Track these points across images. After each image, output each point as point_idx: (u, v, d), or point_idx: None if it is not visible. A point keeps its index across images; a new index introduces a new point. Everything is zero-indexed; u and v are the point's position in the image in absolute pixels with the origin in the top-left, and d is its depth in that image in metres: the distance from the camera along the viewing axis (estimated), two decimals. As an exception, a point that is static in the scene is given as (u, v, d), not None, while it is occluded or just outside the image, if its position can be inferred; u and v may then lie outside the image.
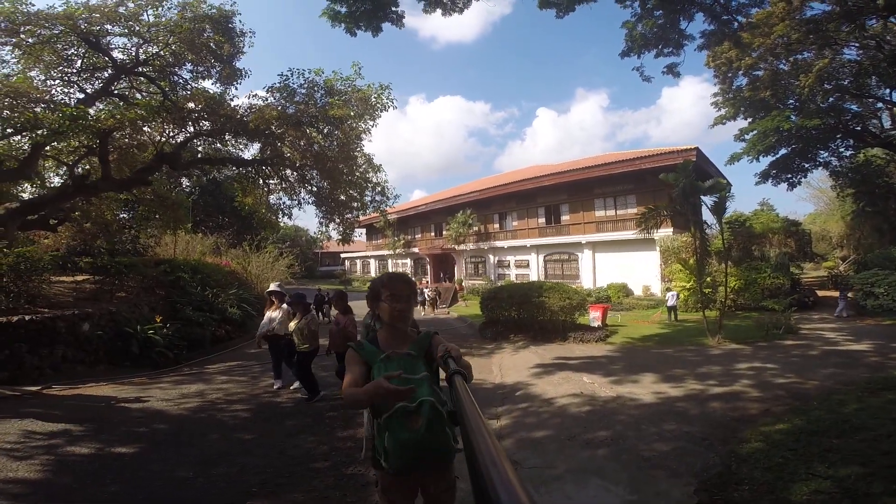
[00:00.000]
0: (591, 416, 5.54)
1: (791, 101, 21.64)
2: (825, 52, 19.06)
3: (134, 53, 10.45)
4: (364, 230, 43.09)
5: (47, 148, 10.58)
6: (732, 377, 7.29)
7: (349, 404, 1.79)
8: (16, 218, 9.06)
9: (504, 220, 30.06)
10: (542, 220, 27.45)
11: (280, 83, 11.44)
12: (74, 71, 10.32)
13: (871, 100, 21.31)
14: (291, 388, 7.02)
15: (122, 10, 9.31)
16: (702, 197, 12.81)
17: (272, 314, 7.00)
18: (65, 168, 11.72)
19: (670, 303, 15.06)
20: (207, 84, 12.38)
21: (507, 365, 9.67)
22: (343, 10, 7.73)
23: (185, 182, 25.56)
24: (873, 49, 18.86)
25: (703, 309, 11.86)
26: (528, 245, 27.29)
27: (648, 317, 16.12)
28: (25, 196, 11.63)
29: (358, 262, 47.09)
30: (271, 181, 14.90)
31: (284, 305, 6.95)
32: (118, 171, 11.62)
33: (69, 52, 9.90)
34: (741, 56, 19.84)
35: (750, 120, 22.86)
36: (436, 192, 48.03)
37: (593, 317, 14.01)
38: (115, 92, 11.24)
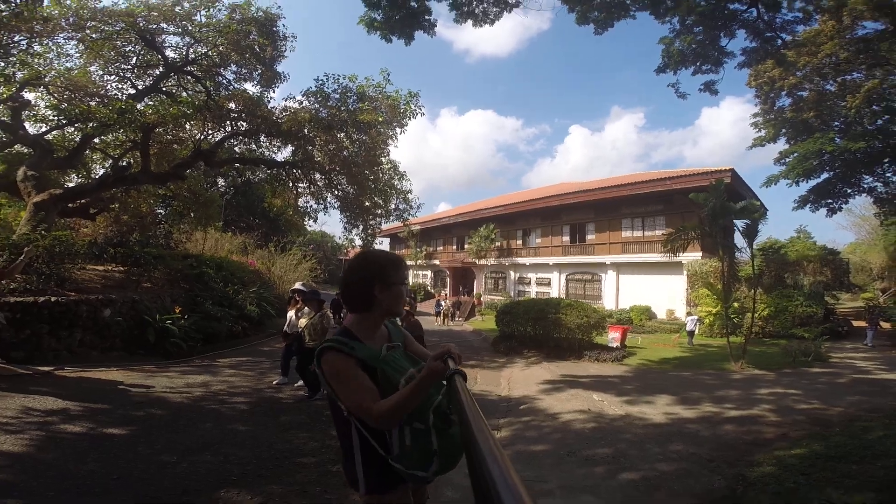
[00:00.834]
0: (595, 433, 5.29)
1: (836, 123, 20.70)
2: (875, 73, 18.21)
3: (184, 52, 11.03)
4: (388, 239, 43.52)
5: (96, 140, 11.22)
6: (751, 402, 6.90)
7: (398, 418, 1.43)
8: (57, 204, 9.56)
9: (527, 236, 29.75)
10: (566, 239, 27.02)
11: (316, 87, 11.79)
12: (129, 67, 10.95)
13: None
14: (295, 385, 7.02)
15: (178, 9, 9.87)
16: (735, 221, 12.36)
17: (292, 313, 7.15)
18: (111, 161, 12.38)
19: (689, 327, 14.58)
20: (248, 86, 12.92)
21: (516, 379, 9.44)
22: (379, 17, 7.93)
23: (220, 182, 26.58)
24: (927, 70, 17.90)
25: (728, 334, 11.31)
26: (551, 263, 26.89)
27: (670, 340, 15.55)
28: (71, 185, 12.29)
29: (381, 270, 47.40)
30: (300, 184, 15.31)
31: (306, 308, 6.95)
32: (157, 165, 12.17)
33: (127, 49, 10.53)
34: (785, 75, 19.18)
35: (791, 142, 21.97)
36: (460, 205, 48.07)
37: (612, 337, 13.71)
38: (164, 89, 11.84)
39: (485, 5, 8.75)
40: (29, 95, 9.43)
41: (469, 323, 24.78)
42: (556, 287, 26.50)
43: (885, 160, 20.75)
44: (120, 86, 11.04)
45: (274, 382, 7.15)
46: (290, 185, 15.03)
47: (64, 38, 9.33)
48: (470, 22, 9.30)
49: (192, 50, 11.02)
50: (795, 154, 21.16)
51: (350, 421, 1.52)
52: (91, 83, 9.53)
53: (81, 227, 13.72)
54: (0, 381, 5.26)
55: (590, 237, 25.70)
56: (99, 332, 8.38)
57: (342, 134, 11.76)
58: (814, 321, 14.66)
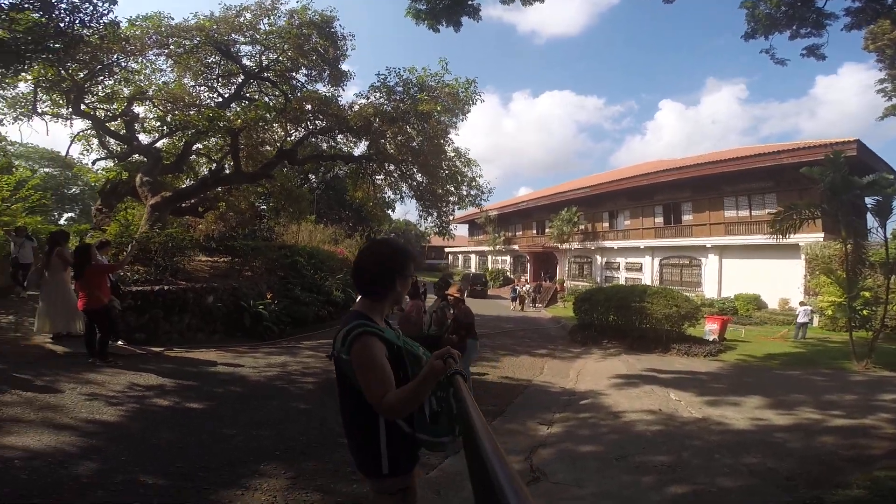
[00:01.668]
0: (659, 436, 4.84)
1: None
2: None
3: (258, 60, 12.05)
4: (466, 225, 43.72)
5: (199, 146, 12.79)
6: (867, 409, 5.80)
7: (404, 412, 1.51)
8: (169, 205, 11.10)
9: (615, 218, 27.91)
10: (659, 220, 24.87)
11: (379, 82, 12.17)
12: (214, 77, 12.30)
13: None
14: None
15: (241, 20, 10.80)
16: (866, 199, 10.43)
17: None
18: (214, 164, 14.04)
19: (801, 319, 12.64)
20: (320, 86, 13.75)
21: (587, 371, 8.99)
22: (423, 6, 7.91)
23: (311, 178, 28.80)
24: None
25: (851, 328, 9.58)
26: (642, 247, 24.95)
27: (776, 334, 13.67)
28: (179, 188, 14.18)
29: (460, 256, 48.15)
30: (377, 176, 16.01)
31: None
32: (248, 166, 13.54)
33: (209, 60, 11.83)
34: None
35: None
36: (541, 188, 46.56)
37: (709, 329, 12.48)
38: (247, 95, 13.09)
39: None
40: (138, 109, 11.18)
41: (549, 310, 24.09)
42: (649, 272, 24.57)
43: None
44: (211, 95, 12.46)
45: None
46: (368, 177, 15.78)
47: (154, 55, 10.78)
48: (518, 1, 8.86)
49: (264, 57, 12.02)
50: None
51: None
52: (187, 94, 10.90)
53: (198, 225, 15.75)
54: (119, 359, 6.26)
55: (686, 218, 23.35)
56: (204, 316, 9.60)
57: (406, 125, 12.00)
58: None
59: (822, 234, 16.25)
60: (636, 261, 25.65)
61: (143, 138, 11.90)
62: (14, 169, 12.57)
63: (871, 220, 11.08)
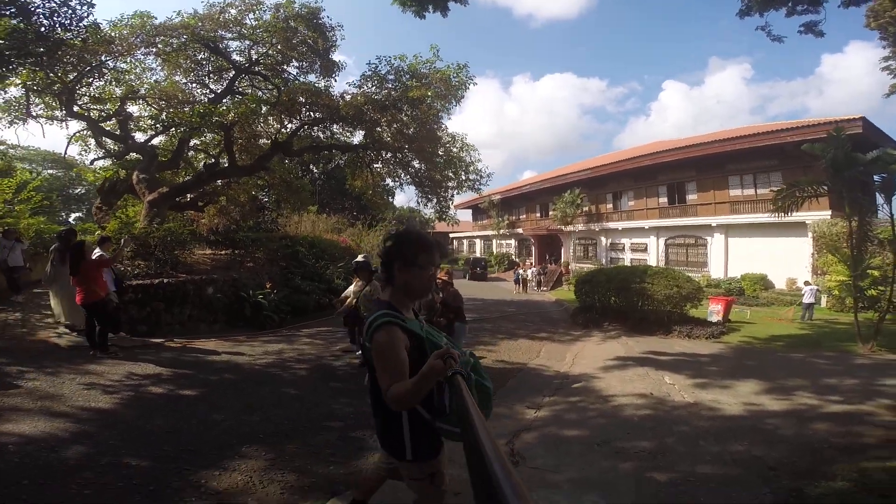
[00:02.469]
0: (646, 421, 4.83)
1: None
2: None
3: (247, 55, 11.97)
4: (469, 210, 43.55)
5: (196, 142, 12.80)
6: (868, 394, 5.68)
7: (407, 405, 1.58)
8: (166, 200, 11.19)
9: (618, 199, 27.65)
10: (663, 200, 24.56)
11: (370, 71, 12.04)
12: (205, 73, 12.25)
13: None
14: (357, 354, 7.43)
15: (226, 16, 10.71)
16: (874, 176, 10.19)
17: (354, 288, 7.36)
18: (212, 159, 14.08)
19: (807, 299, 12.44)
20: (312, 78, 13.64)
21: (584, 354, 8.99)
22: (406, -8, 7.78)
23: (313, 169, 28.81)
24: None
25: (857, 309, 9.42)
26: (647, 227, 24.74)
27: (781, 315, 13.51)
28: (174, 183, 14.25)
29: (465, 241, 48.14)
30: (376, 164, 15.95)
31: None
32: (244, 159, 13.55)
33: (199, 57, 11.77)
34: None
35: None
36: (546, 171, 46.11)
37: (712, 310, 12.34)
38: (239, 90, 13.04)
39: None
40: (132, 108, 11.23)
41: (553, 293, 24.06)
42: (654, 253, 24.39)
43: None
44: (203, 91, 12.43)
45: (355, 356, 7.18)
46: (366, 166, 15.73)
47: (142, 54, 10.75)
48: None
49: (253, 51, 11.93)
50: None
51: None
52: (180, 91, 10.89)
53: (200, 220, 15.87)
54: (120, 350, 6.41)
55: (691, 197, 23.05)
56: (204, 307, 9.76)
57: (398, 112, 11.90)
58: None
59: (830, 212, 15.93)
60: (641, 241, 25.45)
61: (139, 136, 12.00)
62: (14, 172, 12.71)
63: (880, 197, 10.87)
